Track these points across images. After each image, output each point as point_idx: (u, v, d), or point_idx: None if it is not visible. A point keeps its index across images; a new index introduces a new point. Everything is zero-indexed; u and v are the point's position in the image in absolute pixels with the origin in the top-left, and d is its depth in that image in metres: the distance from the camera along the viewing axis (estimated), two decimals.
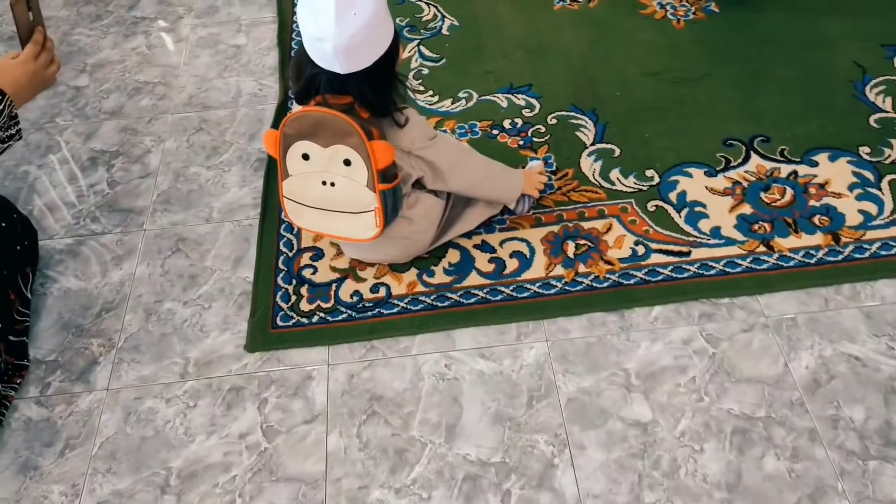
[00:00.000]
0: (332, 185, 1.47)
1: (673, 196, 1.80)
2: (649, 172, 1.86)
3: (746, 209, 1.76)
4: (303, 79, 1.43)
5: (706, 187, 1.82)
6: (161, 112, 2.16)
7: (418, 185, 1.60)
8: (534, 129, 2.00)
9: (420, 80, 2.16)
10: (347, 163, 1.43)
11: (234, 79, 2.24)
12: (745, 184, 1.82)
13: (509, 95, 2.10)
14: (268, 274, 1.72)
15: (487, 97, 2.10)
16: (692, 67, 2.14)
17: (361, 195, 1.45)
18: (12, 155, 2.05)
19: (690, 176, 1.85)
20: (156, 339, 1.62)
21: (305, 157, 1.46)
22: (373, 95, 1.41)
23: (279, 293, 1.68)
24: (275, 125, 2.05)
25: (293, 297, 1.67)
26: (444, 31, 2.33)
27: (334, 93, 1.41)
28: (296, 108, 1.49)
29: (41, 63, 1.46)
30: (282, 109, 2.11)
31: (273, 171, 1.91)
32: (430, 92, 2.13)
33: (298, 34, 2.38)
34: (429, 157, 1.54)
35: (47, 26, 1.53)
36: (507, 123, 2.02)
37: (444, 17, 2.38)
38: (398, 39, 1.44)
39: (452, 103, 2.09)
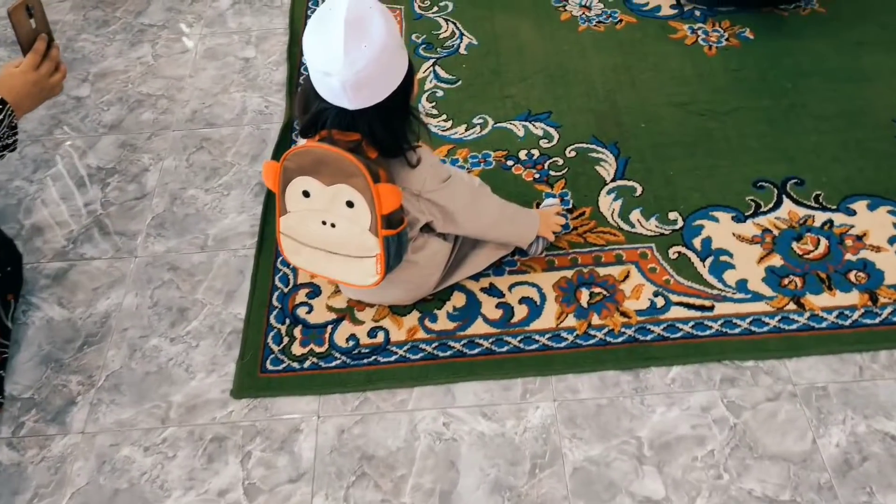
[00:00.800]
0: (333, 225, 1.36)
1: (697, 242, 1.68)
2: (672, 215, 1.74)
3: (776, 260, 1.64)
4: (309, 113, 1.33)
5: (733, 234, 1.69)
6: (162, 128, 2.06)
7: (426, 227, 1.49)
8: (551, 161, 1.88)
9: (434, 103, 2.05)
10: (350, 204, 1.32)
11: (240, 94, 2.15)
12: (775, 232, 1.69)
13: (527, 123, 1.98)
14: (260, 311, 1.62)
15: (503, 124, 1.99)
16: (722, 99, 2.01)
17: (363, 239, 1.35)
18: (5, 168, 1.97)
19: (717, 220, 1.72)
20: (138, 378, 1.53)
21: (306, 193, 1.35)
22: (383, 133, 1.30)
23: (271, 333, 1.58)
24: (278, 149, 1.95)
25: (285, 339, 1.56)
26: (462, 51, 2.21)
27: (342, 129, 1.30)
28: (300, 141, 1.38)
29: (43, 72, 1.38)
30: (287, 129, 2.01)
31: (272, 199, 1.81)
32: (444, 116, 2.02)
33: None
34: (440, 200, 1.43)
35: (53, 31, 1.43)
36: (522, 154, 1.90)
37: (462, 34, 2.27)
38: (413, 72, 1.33)
39: (466, 130, 1.98)
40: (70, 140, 2.05)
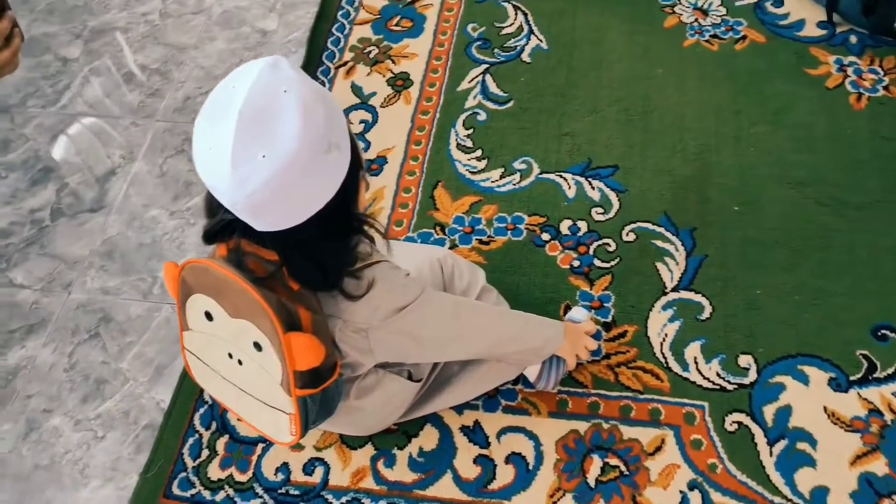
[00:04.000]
0: (240, 362, 1.00)
1: (769, 412, 1.21)
2: (745, 360, 1.27)
3: (879, 465, 1.15)
4: (214, 218, 0.94)
5: (825, 409, 1.21)
6: (146, 115, 1.72)
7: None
8: (600, 243, 1.42)
9: (470, 131, 1.60)
10: (258, 347, 0.95)
11: None
12: (887, 418, 1.19)
13: (581, 179, 1.51)
14: (187, 404, 1.29)
15: (551, 175, 1.52)
16: (859, 183, 1.46)
17: (274, 392, 0.98)
18: None
19: (805, 380, 1.24)
20: (23, 473, 1.25)
21: (209, 316, 0.98)
22: (304, 265, 0.91)
23: (191, 439, 1.26)
24: None
25: (204, 452, 1.24)
26: (525, 57, 1.72)
27: (256, 242, 0.91)
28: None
29: None
30: None
31: None
32: (478, 153, 1.57)
33: (340, 27, 1.85)
34: (404, 327, 1.03)
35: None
36: (565, 226, 1.45)
37: (531, 32, 1.77)
38: (358, 171, 0.91)
39: (502, 177, 1.53)
40: (40, 118, 1.74)
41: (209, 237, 0.95)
